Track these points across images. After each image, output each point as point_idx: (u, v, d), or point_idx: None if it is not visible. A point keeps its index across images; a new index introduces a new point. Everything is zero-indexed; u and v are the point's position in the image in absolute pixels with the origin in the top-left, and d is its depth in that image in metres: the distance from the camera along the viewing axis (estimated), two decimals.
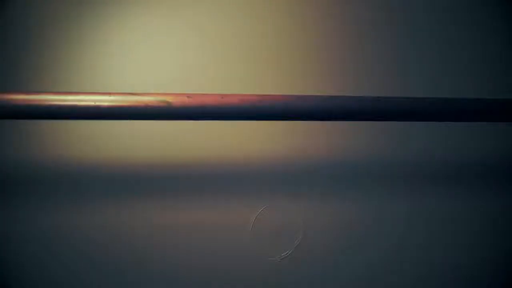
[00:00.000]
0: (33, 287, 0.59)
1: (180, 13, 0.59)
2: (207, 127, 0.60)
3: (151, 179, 0.60)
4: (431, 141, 0.63)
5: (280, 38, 0.61)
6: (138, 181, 0.59)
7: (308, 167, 0.63)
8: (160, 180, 0.60)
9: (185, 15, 0.59)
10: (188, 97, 0.44)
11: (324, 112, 0.47)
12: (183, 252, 0.61)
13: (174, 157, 0.60)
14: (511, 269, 0.62)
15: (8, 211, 0.58)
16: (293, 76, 0.61)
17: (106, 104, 0.43)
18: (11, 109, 0.42)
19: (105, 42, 0.58)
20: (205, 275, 0.61)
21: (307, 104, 0.46)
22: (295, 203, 0.63)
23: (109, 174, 0.59)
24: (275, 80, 0.60)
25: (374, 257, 0.63)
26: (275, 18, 0.61)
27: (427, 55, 0.63)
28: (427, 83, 0.63)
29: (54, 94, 0.43)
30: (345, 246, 0.63)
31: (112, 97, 0.43)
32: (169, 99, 0.43)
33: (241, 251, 0.62)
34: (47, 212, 0.58)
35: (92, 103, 0.43)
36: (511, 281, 0.63)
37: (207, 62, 0.57)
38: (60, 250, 0.59)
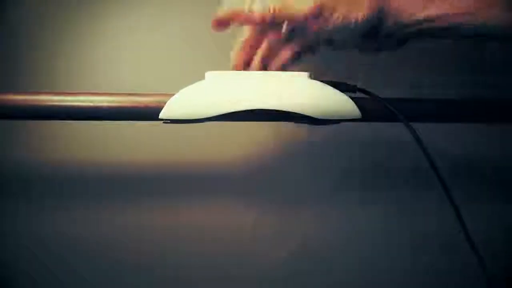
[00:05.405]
0: (33, 287, 0.59)
1: (181, 12, 0.59)
2: (207, 128, 0.59)
3: (151, 180, 0.60)
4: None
5: None
6: (139, 182, 0.59)
7: (311, 167, 0.62)
8: (160, 181, 0.60)
9: (185, 14, 0.59)
10: None
11: None
12: (183, 252, 0.61)
13: (174, 158, 0.60)
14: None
15: (7, 211, 0.58)
16: None
17: (105, 104, 0.43)
18: (10, 109, 0.42)
19: (105, 42, 0.58)
20: (205, 276, 0.61)
21: None
22: (295, 204, 0.63)
23: (109, 175, 0.59)
24: None
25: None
26: None
27: None
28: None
29: (53, 94, 0.43)
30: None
31: (111, 98, 0.43)
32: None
33: (241, 252, 0.62)
34: (47, 212, 0.58)
35: (91, 104, 0.42)
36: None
37: (208, 62, 0.56)
38: (60, 250, 0.59)
